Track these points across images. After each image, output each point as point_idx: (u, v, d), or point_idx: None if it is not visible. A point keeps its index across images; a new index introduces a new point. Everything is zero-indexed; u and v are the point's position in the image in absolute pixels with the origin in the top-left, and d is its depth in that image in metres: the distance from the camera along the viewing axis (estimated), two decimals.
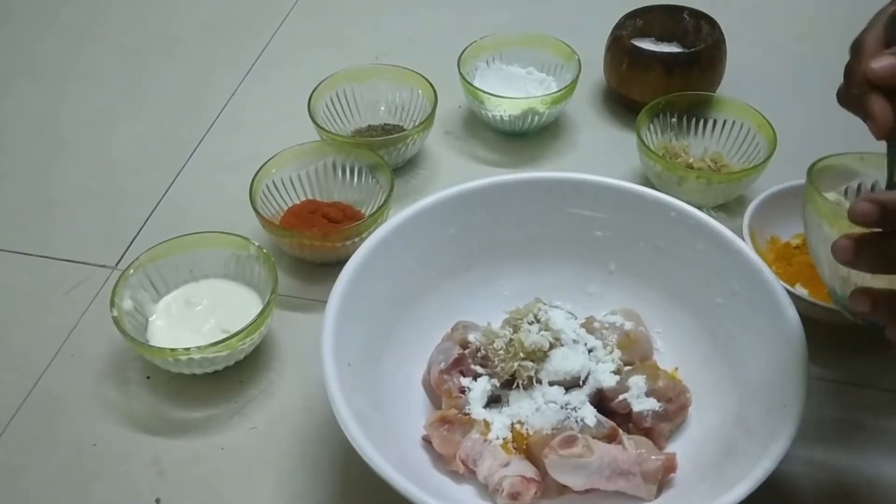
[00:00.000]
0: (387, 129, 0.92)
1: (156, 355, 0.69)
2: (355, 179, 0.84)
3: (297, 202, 0.83)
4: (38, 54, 1.08)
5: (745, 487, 0.53)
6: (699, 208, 0.70)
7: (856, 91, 0.52)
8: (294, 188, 0.83)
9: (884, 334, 0.50)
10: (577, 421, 0.62)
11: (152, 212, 0.87)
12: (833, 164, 0.61)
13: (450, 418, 0.63)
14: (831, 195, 0.62)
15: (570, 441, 0.60)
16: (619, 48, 0.93)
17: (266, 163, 0.81)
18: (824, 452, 0.66)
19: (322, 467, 0.66)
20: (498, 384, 0.66)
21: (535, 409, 0.63)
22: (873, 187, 0.62)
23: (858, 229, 0.48)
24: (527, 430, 0.62)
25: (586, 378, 0.66)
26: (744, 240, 0.73)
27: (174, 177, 0.91)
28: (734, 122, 0.86)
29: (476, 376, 0.66)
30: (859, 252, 0.47)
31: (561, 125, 0.95)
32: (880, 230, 0.47)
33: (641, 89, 0.92)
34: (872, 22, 0.55)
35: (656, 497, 0.61)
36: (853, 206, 0.47)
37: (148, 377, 0.72)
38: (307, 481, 0.65)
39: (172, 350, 0.68)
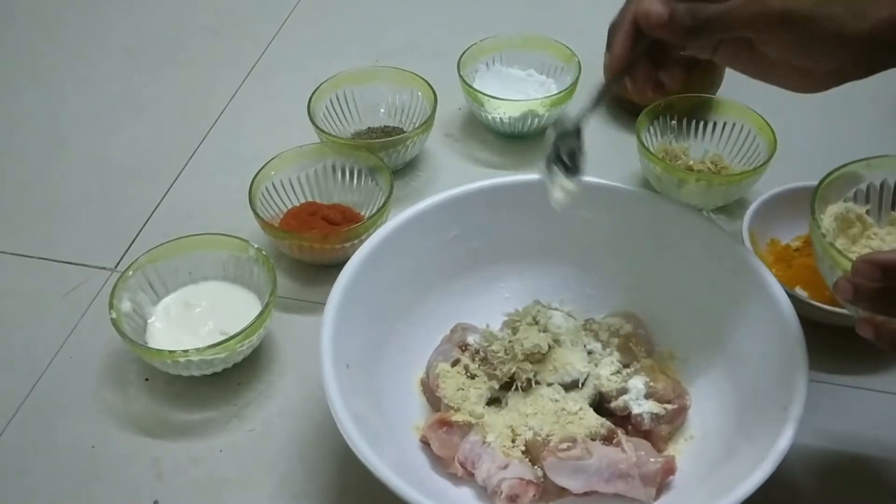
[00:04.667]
0: (386, 132, 0.92)
1: (154, 357, 0.69)
2: (355, 181, 0.84)
3: (297, 204, 0.83)
4: (39, 56, 1.08)
5: (744, 490, 0.53)
6: (699, 211, 0.70)
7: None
8: (294, 190, 0.83)
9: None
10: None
11: (152, 214, 0.87)
12: (839, 175, 0.61)
13: (448, 420, 0.63)
14: (839, 204, 0.62)
15: (568, 443, 0.60)
16: None
17: (265, 165, 0.81)
18: (824, 455, 0.66)
19: (320, 469, 0.66)
20: (497, 386, 0.65)
21: (533, 411, 0.63)
22: (882, 187, 0.63)
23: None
24: (526, 432, 0.62)
25: (585, 380, 0.65)
26: (744, 242, 0.73)
27: (174, 179, 0.91)
28: (734, 124, 0.86)
29: (475, 378, 0.66)
30: (858, 294, 0.50)
31: None
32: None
33: None
34: None
35: (655, 500, 0.60)
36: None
37: (147, 379, 0.72)
38: (305, 483, 0.65)
39: (171, 352, 0.68)
